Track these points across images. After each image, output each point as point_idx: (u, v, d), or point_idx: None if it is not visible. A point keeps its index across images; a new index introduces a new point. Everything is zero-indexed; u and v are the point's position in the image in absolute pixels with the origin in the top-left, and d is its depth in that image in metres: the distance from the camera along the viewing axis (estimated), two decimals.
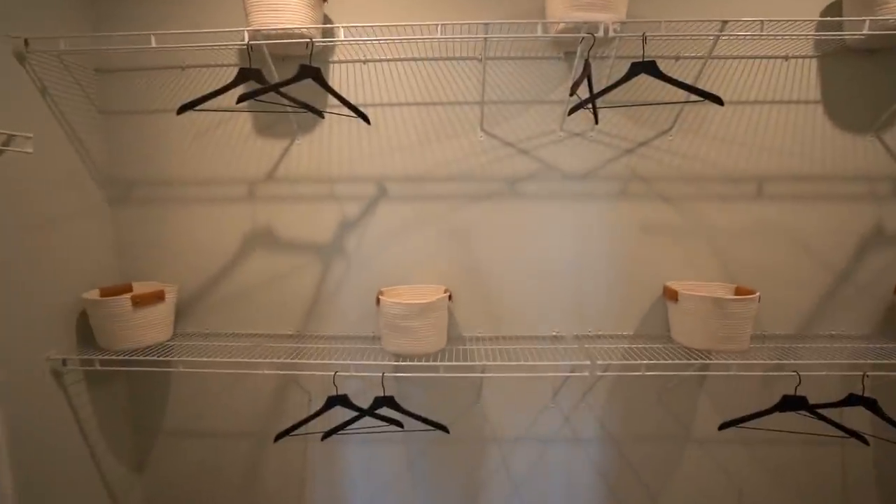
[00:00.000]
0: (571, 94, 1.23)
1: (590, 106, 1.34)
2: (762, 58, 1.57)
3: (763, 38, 1.36)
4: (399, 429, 1.49)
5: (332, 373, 1.45)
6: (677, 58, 1.57)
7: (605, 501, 1.80)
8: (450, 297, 1.53)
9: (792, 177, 1.62)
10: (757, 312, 1.56)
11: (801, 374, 1.42)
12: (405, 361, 1.46)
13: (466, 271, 1.67)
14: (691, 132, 1.61)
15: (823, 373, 1.42)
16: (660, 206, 1.63)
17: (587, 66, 1.27)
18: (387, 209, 1.66)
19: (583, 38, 1.28)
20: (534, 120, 1.61)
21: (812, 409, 1.45)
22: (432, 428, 1.48)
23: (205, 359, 1.48)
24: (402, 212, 1.66)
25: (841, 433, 1.46)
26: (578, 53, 1.34)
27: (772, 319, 1.67)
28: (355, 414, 1.46)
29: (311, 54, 1.32)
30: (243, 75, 1.31)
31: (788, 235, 1.64)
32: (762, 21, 1.30)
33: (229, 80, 1.33)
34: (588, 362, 1.39)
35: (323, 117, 1.43)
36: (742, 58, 1.57)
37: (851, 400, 1.46)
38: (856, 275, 1.66)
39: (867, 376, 1.44)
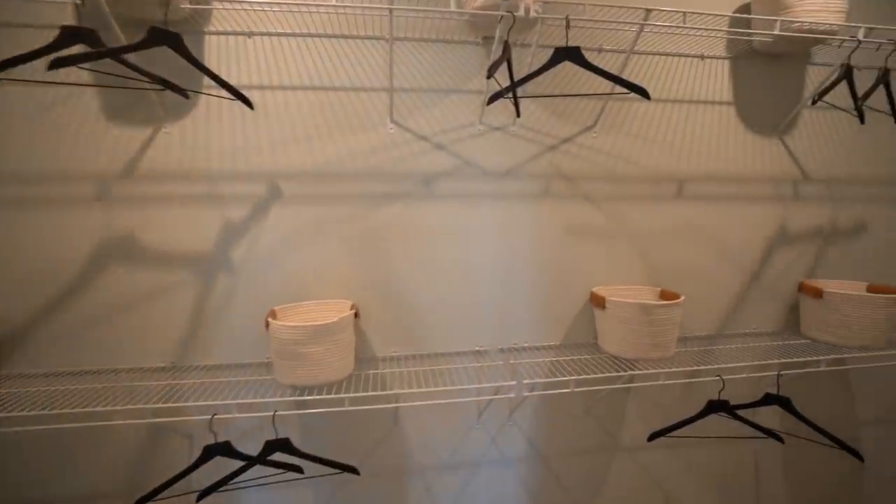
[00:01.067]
0: (489, 77, 1.07)
1: (510, 96, 1.19)
2: (680, 55, 1.53)
3: (684, 30, 1.30)
4: (299, 475, 1.24)
5: (210, 416, 1.17)
6: (600, 50, 1.49)
7: None
8: (356, 314, 1.31)
9: (708, 177, 1.61)
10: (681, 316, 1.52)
11: (723, 377, 1.40)
12: (304, 394, 1.22)
13: (377, 283, 1.46)
14: (614, 129, 1.53)
15: (744, 375, 1.40)
16: (584, 207, 1.54)
17: (507, 48, 1.12)
18: (281, 212, 1.40)
19: (502, 16, 1.13)
20: (450, 111, 1.44)
21: (734, 412, 1.43)
22: (339, 471, 1.25)
23: (29, 412, 1.12)
24: (300, 215, 1.41)
25: (761, 434, 1.46)
26: (497, 36, 1.19)
27: (693, 320, 1.65)
28: (242, 464, 1.19)
29: (166, 14, 1.03)
30: (69, 36, 0.99)
31: (706, 236, 1.63)
32: (684, 13, 1.24)
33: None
34: (514, 382, 1.24)
35: (187, 97, 1.14)
36: (662, 54, 1.52)
37: (769, 399, 1.47)
38: (765, 273, 1.69)
39: (781, 375, 1.45)
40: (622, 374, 1.31)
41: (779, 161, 1.65)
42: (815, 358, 1.44)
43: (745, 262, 1.67)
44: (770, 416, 1.71)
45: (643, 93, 1.18)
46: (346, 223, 1.42)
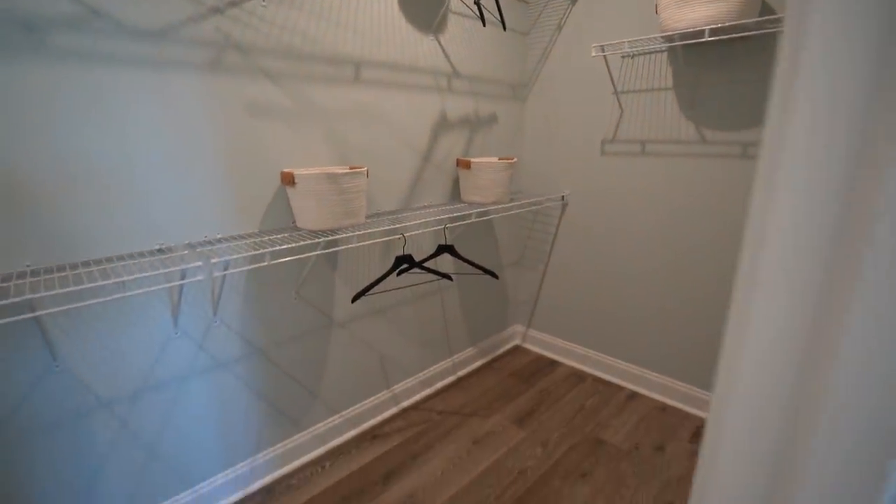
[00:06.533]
0: None
1: None
2: None
3: None
4: None
5: None
6: None
7: (266, 417, 1.68)
8: None
9: (381, 64, 1.76)
10: (368, 188, 1.68)
11: (405, 235, 1.65)
12: None
13: None
14: (286, 2, 1.47)
15: (420, 231, 1.69)
16: (265, 84, 1.46)
17: None
18: None
19: None
20: None
21: (416, 263, 1.73)
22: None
23: None
24: None
25: (437, 277, 1.82)
26: None
27: (380, 199, 1.86)
28: None
29: None
30: None
31: (385, 120, 1.81)
32: None
33: None
34: (199, 263, 1.14)
35: None
36: None
37: (440, 249, 1.83)
38: (433, 154, 2.03)
39: (447, 228, 1.82)
40: (318, 240, 1.38)
41: (435, 56, 1.95)
42: (468, 212, 1.85)
43: (419, 144, 1.96)
44: (446, 266, 2.16)
45: None
46: None
